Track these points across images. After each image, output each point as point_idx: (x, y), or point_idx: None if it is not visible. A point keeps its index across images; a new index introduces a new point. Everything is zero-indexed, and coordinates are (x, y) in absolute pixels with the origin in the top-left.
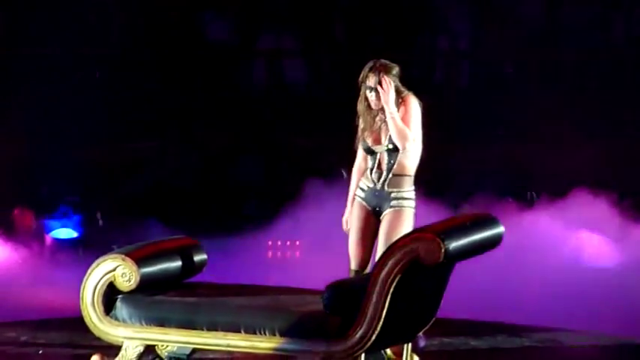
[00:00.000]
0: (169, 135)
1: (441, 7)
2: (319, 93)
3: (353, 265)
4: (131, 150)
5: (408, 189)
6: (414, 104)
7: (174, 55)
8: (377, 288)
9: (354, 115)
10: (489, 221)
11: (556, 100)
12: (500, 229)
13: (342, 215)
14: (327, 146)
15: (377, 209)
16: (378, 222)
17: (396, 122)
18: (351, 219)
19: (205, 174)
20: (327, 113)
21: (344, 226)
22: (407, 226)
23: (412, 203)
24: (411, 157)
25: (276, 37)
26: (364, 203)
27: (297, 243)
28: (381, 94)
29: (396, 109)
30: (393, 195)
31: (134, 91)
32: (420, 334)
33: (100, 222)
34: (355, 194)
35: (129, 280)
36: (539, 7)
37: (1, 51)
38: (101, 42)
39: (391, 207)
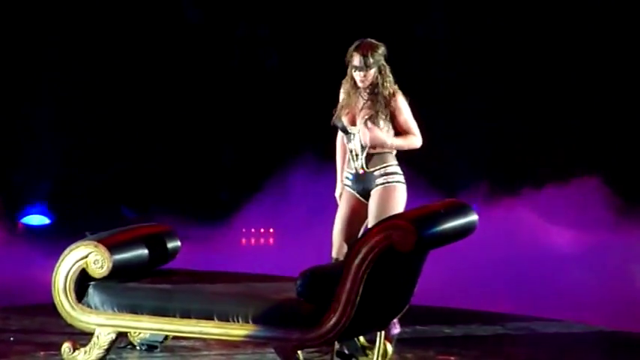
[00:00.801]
0: (143, 122)
1: None
2: (293, 79)
3: (334, 253)
4: (103, 136)
5: (391, 163)
6: (403, 103)
7: (151, 41)
8: (350, 275)
9: (328, 101)
10: (463, 209)
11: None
12: (474, 217)
13: (333, 193)
14: (301, 132)
15: (363, 192)
16: (366, 202)
17: (403, 146)
18: (339, 204)
19: (179, 160)
20: (301, 98)
21: (338, 202)
22: (397, 201)
23: (399, 177)
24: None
25: (251, 24)
26: (351, 190)
27: (271, 230)
28: (362, 137)
29: (393, 143)
30: (376, 173)
31: (109, 78)
32: (394, 321)
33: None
34: (343, 183)
35: (101, 267)
36: None
37: None
38: (77, 26)
39: (377, 185)
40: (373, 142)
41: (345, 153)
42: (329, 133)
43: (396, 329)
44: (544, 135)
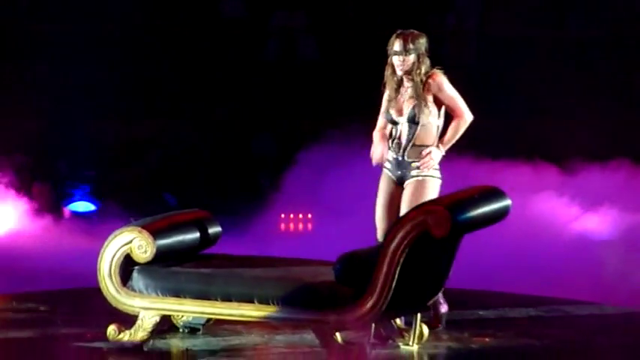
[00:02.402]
0: (183, 112)
1: None
2: (329, 69)
3: (379, 237)
4: (147, 126)
5: (433, 156)
6: (442, 80)
7: (188, 34)
8: (387, 259)
9: (361, 90)
10: (497, 194)
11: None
12: (508, 201)
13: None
14: (334, 121)
15: (401, 179)
16: (400, 190)
17: (453, 139)
18: (378, 190)
19: (219, 149)
20: (337, 89)
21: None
22: (429, 195)
23: (435, 172)
24: (430, 128)
25: (288, 15)
26: (389, 174)
27: (309, 216)
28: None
29: (445, 148)
30: (413, 164)
31: (150, 69)
32: (441, 300)
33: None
34: (383, 165)
35: (145, 252)
36: None
37: (22, 27)
38: (116, 20)
39: (412, 177)
40: (429, 166)
41: (383, 139)
42: (364, 119)
43: (444, 308)
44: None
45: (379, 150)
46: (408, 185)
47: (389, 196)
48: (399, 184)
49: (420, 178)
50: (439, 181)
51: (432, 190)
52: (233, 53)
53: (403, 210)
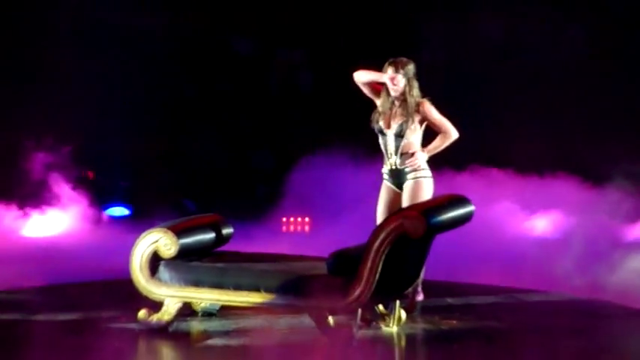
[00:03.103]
0: (202, 131)
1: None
2: (323, 96)
3: None
4: (170, 143)
5: (420, 162)
6: (431, 108)
7: (208, 67)
8: (371, 255)
9: (352, 112)
10: (463, 201)
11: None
12: (472, 207)
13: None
14: (328, 138)
15: (399, 185)
16: (401, 195)
17: (439, 148)
18: (379, 197)
19: (231, 163)
20: (330, 111)
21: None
22: (425, 192)
23: (426, 173)
24: (413, 142)
25: (289, 51)
26: (388, 184)
27: (307, 219)
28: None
29: (429, 154)
30: (407, 169)
31: (175, 94)
32: (419, 290)
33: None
34: (383, 177)
35: (170, 249)
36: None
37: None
38: (147, 56)
39: (409, 180)
40: (415, 166)
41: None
42: (356, 138)
43: (420, 296)
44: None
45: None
46: (407, 187)
47: (388, 199)
48: (397, 189)
49: (415, 179)
50: (431, 180)
51: (427, 188)
52: (243, 83)
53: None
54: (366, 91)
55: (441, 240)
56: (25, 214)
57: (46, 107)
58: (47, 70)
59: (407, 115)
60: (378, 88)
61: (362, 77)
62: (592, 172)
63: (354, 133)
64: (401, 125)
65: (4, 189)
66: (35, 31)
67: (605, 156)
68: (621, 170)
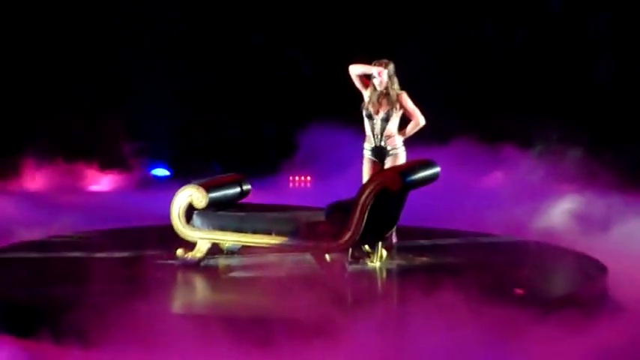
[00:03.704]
0: (226, 109)
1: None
2: (323, 85)
3: None
4: (203, 119)
5: (398, 141)
6: (407, 99)
7: (229, 56)
8: (359, 206)
9: (342, 94)
10: (431, 164)
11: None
12: (438, 168)
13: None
14: (324, 113)
15: (381, 158)
16: (382, 165)
17: (412, 131)
18: (364, 168)
19: (248, 133)
20: (325, 93)
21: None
22: (402, 161)
23: (403, 149)
24: (395, 124)
25: (293, 46)
26: (371, 157)
27: (309, 178)
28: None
29: (407, 135)
30: (388, 148)
31: (205, 80)
32: (394, 234)
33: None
34: (364, 152)
35: (201, 201)
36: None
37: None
38: (183, 47)
39: (390, 154)
40: (394, 145)
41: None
42: (346, 115)
43: (395, 239)
44: None
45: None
46: (389, 159)
47: (371, 168)
48: (379, 162)
49: (395, 154)
50: (405, 152)
51: (403, 158)
52: (257, 70)
53: None
54: (357, 82)
55: (415, 194)
56: (97, 173)
57: (121, 101)
58: (122, 72)
59: (391, 104)
60: (366, 82)
61: (355, 69)
62: None
63: (344, 110)
64: (387, 112)
65: (87, 152)
66: (112, 33)
67: None
68: None
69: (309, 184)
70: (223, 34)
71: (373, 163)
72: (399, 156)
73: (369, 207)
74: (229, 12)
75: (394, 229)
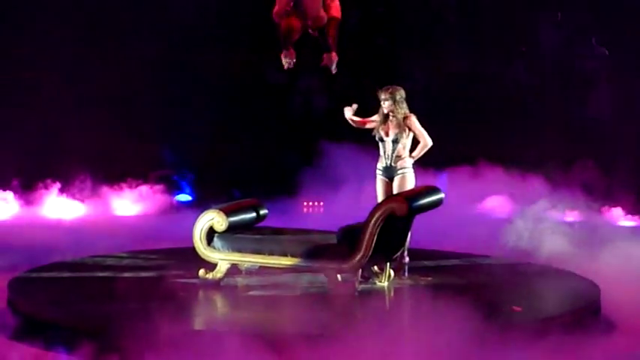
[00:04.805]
0: (242, 139)
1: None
2: (335, 111)
3: None
4: (221, 149)
5: (406, 161)
6: (415, 122)
7: (246, 92)
8: (368, 230)
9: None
10: (436, 190)
11: None
12: (442, 195)
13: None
14: (336, 146)
15: (390, 177)
16: (392, 184)
17: (420, 154)
18: (377, 188)
19: (265, 162)
20: (338, 126)
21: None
22: (409, 183)
23: (410, 169)
24: (404, 145)
25: (309, 77)
26: (382, 177)
27: (321, 203)
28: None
29: (415, 157)
30: (397, 168)
31: (225, 113)
32: (405, 254)
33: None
34: (376, 172)
35: (221, 225)
36: None
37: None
38: (205, 82)
39: (398, 174)
40: (403, 165)
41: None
42: (356, 144)
43: (406, 259)
44: None
45: (349, 115)
46: (397, 179)
47: (383, 188)
48: (389, 181)
49: (403, 174)
50: (413, 174)
51: (411, 179)
52: (274, 103)
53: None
54: (356, 125)
55: (420, 219)
56: (122, 196)
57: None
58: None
59: (400, 127)
60: (363, 121)
61: (352, 123)
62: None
63: (355, 141)
64: (396, 134)
65: (116, 177)
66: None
67: None
68: None
69: (321, 209)
70: (243, 70)
71: (384, 182)
72: (406, 177)
73: (377, 230)
74: (248, 49)
75: (405, 250)
